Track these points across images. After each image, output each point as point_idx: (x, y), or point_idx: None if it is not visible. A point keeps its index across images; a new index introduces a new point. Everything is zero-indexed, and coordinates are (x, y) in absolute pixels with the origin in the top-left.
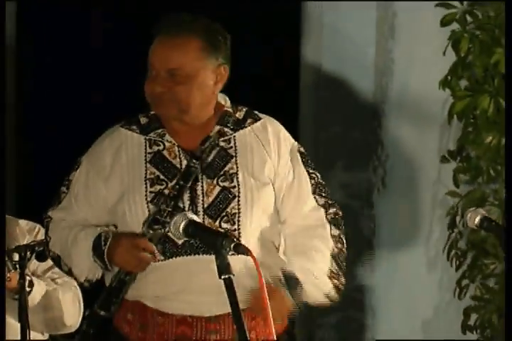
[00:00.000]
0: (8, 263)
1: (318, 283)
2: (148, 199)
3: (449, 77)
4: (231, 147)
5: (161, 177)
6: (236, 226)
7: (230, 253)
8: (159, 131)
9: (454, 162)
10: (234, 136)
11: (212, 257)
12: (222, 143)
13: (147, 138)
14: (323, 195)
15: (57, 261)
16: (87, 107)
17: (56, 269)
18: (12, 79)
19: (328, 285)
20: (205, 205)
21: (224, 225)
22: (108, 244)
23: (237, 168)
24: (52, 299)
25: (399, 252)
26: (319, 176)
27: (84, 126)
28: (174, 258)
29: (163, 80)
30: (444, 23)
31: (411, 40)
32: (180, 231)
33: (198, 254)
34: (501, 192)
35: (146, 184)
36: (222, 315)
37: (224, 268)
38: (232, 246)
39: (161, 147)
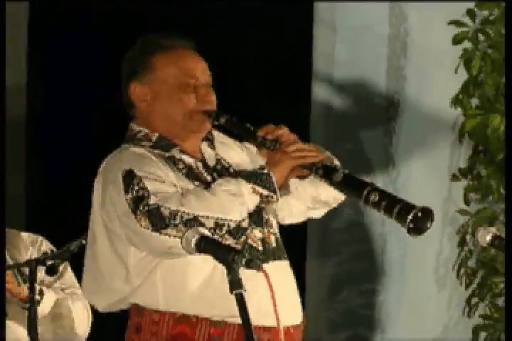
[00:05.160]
0: (18, 278)
1: None
2: None
3: (461, 96)
4: (222, 156)
5: None
6: (274, 230)
7: None
8: (177, 148)
9: (464, 180)
10: (215, 148)
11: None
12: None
13: (167, 155)
14: None
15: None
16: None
17: (63, 280)
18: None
19: None
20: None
21: (271, 230)
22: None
23: (237, 175)
24: (63, 307)
25: (408, 270)
26: None
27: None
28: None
29: (210, 90)
30: (456, 41)
31: (423, 58)
32: (193, 246)
33: (276, 260)
34: None
35: None
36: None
37: (236, 284)
38: (243, 261)
39: (186, 164)
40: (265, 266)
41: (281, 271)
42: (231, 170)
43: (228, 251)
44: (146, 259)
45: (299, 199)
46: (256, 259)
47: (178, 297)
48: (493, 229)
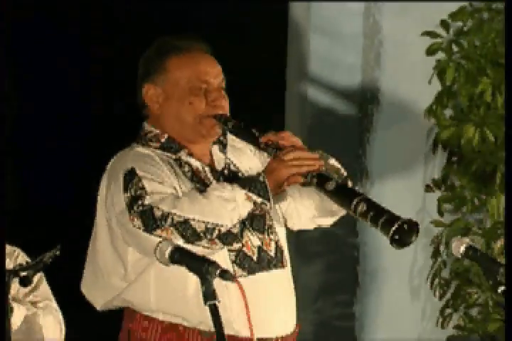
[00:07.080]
0: None
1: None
2: None
3: (435, 106)
4: (232, 161)
5: None
6: (277, 237)
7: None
8: (185, 151)
9: (438, 191)
10: (226, 152)
11: (280, 272)
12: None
13: (174, 157)
14: None
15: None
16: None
17: (37, 292)
18: None
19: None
20: (248, 220)
21: (272, 237)
22: (262, 174)
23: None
24: (33, 324)
25: (382, 281)
26: None
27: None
28: (254, 274)
29: (222, 95)
30: (430, 52)
31: (397, 69)
32: (167, 257)
33: (272, 269)
34: (485, 221)
35: None
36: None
37: (209, 295)
38: (217, 272)
39: (192, 167)
40: (257, 275)
41: (274, 280)
42: (239, 174)
43: (202, 262)
44: (144, 259)
45: (305, 206)
46: (248, 268)
47: (169, 298)
48: (467, 240)
